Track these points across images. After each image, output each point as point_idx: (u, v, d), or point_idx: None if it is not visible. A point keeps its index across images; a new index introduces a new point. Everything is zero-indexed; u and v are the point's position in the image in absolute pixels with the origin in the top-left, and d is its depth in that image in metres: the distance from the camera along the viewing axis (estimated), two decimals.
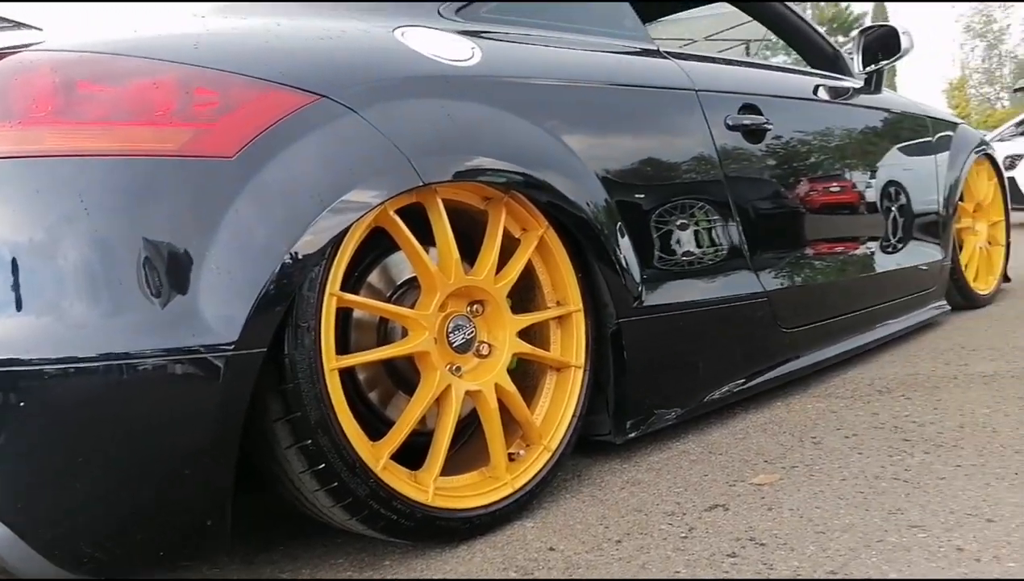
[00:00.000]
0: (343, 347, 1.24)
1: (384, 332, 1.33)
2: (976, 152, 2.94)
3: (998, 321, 2.69)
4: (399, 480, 1.16)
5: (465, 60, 1.39)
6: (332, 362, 1.11)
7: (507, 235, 1.38)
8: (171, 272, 1.00)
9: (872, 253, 2.36)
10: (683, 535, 1.21)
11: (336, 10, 1.44)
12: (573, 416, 1.42)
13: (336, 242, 1.11)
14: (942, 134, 2.76)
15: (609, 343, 1.51)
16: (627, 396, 1.53)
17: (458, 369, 1.29)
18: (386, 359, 1.29)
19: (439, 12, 1.53)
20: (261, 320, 1.01)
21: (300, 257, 1.05)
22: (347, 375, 1.25)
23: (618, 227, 1.51)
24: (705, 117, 1.78)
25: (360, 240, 1.18)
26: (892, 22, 2.44)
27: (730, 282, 1.80)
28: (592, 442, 1.58)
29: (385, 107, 1.20)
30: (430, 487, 1.19)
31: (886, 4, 25.60)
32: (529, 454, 1.36)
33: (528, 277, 1.44)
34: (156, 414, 0.98)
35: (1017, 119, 10.52)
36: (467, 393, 1.27)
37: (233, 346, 0.99)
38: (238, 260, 1.02)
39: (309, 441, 1.07)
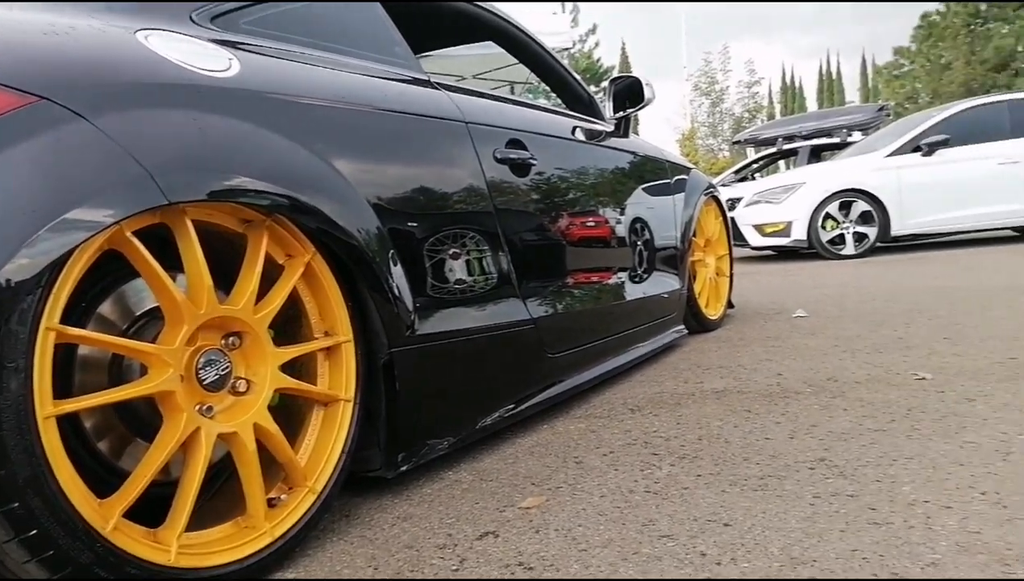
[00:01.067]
0: (65, 390, 1.06)
1: (118, 371, 1.16)
2: (706, 194, 3.32)
3: (726, 343, 3.03)
4: (134, 541, 1.01)
5: (221, 71, 1.27)
6: (48, 408, 0.93)
7: (270, 262, 1.28)
8: None
9: (623, 283, 2.56)
10: (455, 568, 1.18)
11: (64, 9, 1.25)
12: (342, 453, 1.34)
13: (56, 266, 0.95)
14: (679, 177, 3.08)
15: (381, 374, 1.46)
16: (399, 428, 1.49)
17: (209, 409, 1.16)
18: (120, 402, 1.12)
19: (191, 18, 1.40)
20: None
21: (8, 284, 0.88)
22: (69, 422, 1.07)
23: (390, 255, 1.47)
24: (475, 149, 1.81)
25: (89, 264, 1.02)
26: (637, 74, 2.68)
27: (500, 310, 1.83)
28: (363, 478, 1.51)
29: (123, 115, 1.05)
30: (173, 545, 1.04)
31: (630, 59, 28.60)
32: (292, 498, 1.25)
33: (294, 306, 1.35)
34: None
35: (736, 167, 12.22)
36: (220, 436, 1.14)
37: None
38: None
39: (16, 504, 0.89)
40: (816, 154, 10.72)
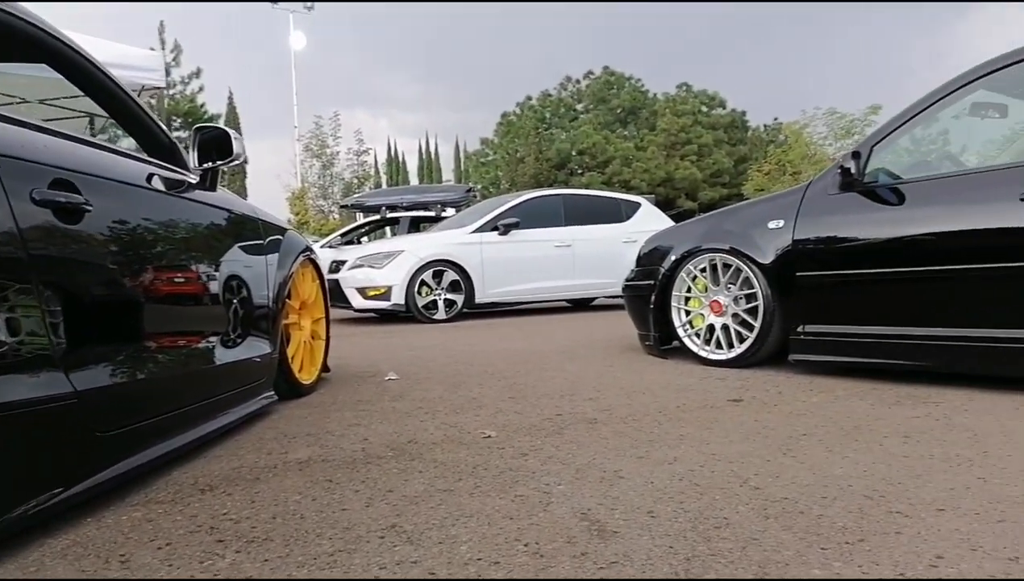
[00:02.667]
0: None
1: None
2: (302, 256, 3.27)
3: (317, 408, 2.98)
4: None
5: None
6: None
7: None
8: None
9: (203, 347, 2.34)
10: None
11: None
12: None
13: None
14: (273, 237, 2.98)
15: None
16: None
17: None
18: None
19: None
20: None
21: None
22: None
23: None
24: (3, 186, 1.48)
25: None
26: (226, 127, 2.54)
27: (27, 383, 1.50)
28: None
29: None
30: None
31: (238, 110, 27.65)
32: None
33: None
34: None
35: (343, 230, 12.51)
36: None
37: None
38: None
39: None
40: (416, 225, 11.59)
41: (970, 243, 2.83)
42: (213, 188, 2.54)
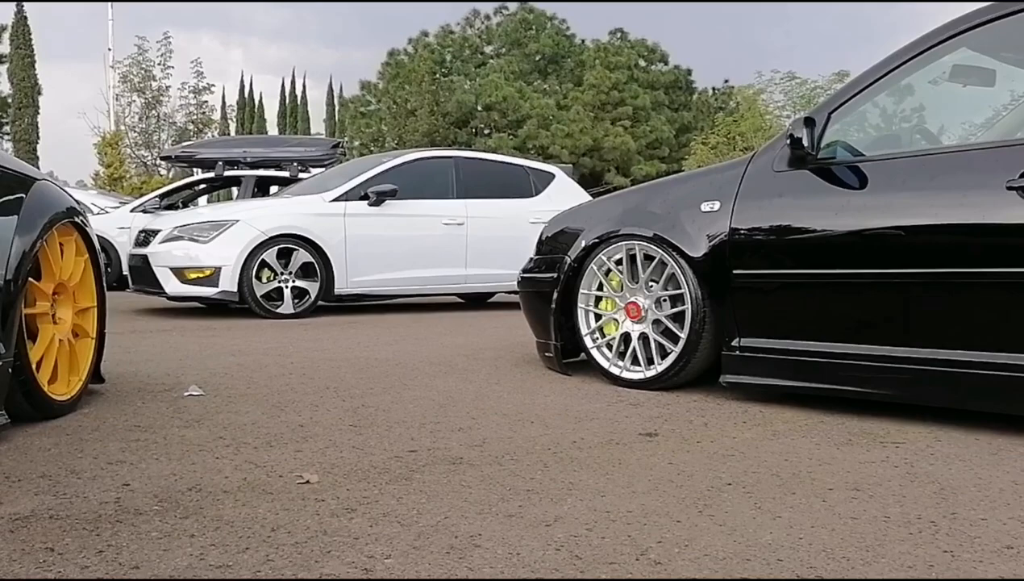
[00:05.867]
0: None
1: None
2: (63, 219, 2.93)
3: (71, 436, 2.66)
4: None
5: None
6: None
7: None
8: None
9: None
10: None
11: None
12: None
13: None
14: (11, 193, 2.63)
15: None
16: None
17: None
18: None
19: None
20: None
21: None
22: None
23: None
24: None
25: None
26: None
27: None
28: None
29: None
30: None
31: (29, 22, 25.96)
32: None
33: None
34: None
35: (163, 190, 11.87)
36: None
37: None
38: None
39: None
40: (264, 187, 11.14)
41: (942, 242, 2.83)
42: None
